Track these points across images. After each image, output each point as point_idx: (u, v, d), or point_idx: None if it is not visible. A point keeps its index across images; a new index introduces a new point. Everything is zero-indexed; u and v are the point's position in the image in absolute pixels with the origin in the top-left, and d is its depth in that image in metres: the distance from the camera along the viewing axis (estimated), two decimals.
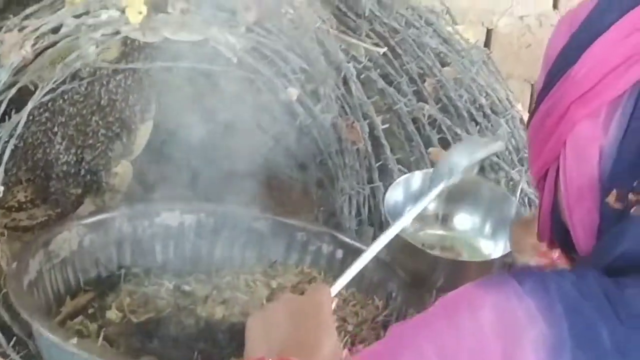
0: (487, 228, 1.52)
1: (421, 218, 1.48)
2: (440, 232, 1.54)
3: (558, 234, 0.90)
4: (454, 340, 0.73)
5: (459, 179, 1.33)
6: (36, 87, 1.55)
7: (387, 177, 1.70)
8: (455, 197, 1.50)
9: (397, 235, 1.34)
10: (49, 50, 1.54)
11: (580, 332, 0.71)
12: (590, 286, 0.74)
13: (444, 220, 1.54)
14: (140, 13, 1.54)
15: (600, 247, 0.81)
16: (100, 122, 1.68)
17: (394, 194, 1.48)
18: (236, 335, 1.43)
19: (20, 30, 1.49)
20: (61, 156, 1.68)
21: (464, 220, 1.54)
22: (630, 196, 0.79)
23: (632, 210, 0.78)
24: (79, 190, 1.73)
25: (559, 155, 0.84)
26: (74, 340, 1.17)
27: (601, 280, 0.75)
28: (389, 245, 1.34)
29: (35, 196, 1.70)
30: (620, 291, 0.73)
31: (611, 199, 0.80)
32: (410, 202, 1.47)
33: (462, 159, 1.32)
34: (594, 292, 0.73)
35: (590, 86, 0.80)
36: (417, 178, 1.50)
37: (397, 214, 1.43)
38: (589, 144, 0.81)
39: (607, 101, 0.80)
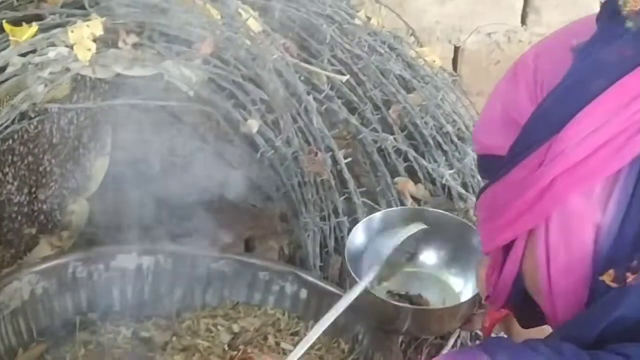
0: (456, 264, 1.47)
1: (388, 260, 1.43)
2: (409, 269, 1.49)
3: (516, 300, 0.85)
4: None
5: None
6: None
7: (352, 210, 1.65)
8: (422, 234, 1.45)
9: (370, 295, 1.34)
10: None
11: None
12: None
13: (412, 257, 1.48)
14: (89, 50, 1.48)
15: (588, 315, 0.77)
16: (53, 161, 1.62)
17: (355, 239, 1.42)
18: None
19: None
20: (13, 196, 1.62)
21: (432, 257, 1.48)
22: (628, 274, 0.74)
23: (629, 281, 0.73)
24: (34, 230, 1.66)
25: (533, 228, 0.79)
26: None
27: (578, 356, 0.72)
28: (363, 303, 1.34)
29: None
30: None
31: (607, 277, 0.75)
32: (372, 241, 1.43)
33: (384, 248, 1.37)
34: None
35: (580, 159, 0.75)
36: (376, 218, 1.45)
37: (358, 261, 1.39)
38: (582, 221, 0.76)
39: (602, 177, 0.75)
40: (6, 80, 1.48)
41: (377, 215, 1.45)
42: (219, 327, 1.48)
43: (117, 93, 1.60)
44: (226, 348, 1.43)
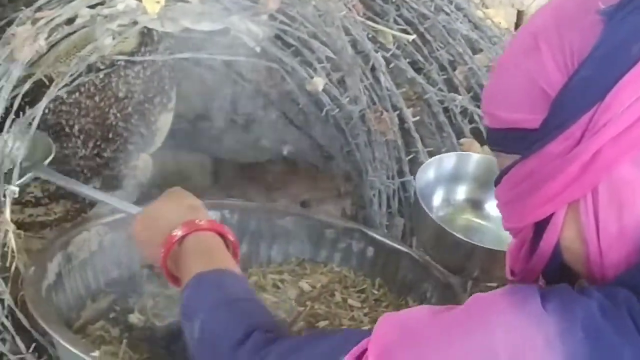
0: None
1: (453, 204, 1.43)
2: (473, 218, 1.48)
3: (552, 272, 0.82)
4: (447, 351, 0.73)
5: None
6: (51, 81, 1.48)
7: (417, 169, 1.63)
8: (488, 183, 1.43)
9: (434, 222, 1.34)
10: (64, 43, 1.47)
11: (600, 356, 0.69)
12: (617, 306, 0.70)
13: (476, 206, 1.47)
14: (158, 2, 1.47)
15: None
16: (118, 115, 1.62)
17: (425, 175, 1.42)
18: None
19: (34, 23, 1.42)
20: (79, 150, 1.62)
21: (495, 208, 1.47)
22: None
23: None
24: (98, 184, 1.67)
25: (578, 200, 0.76)
26: (95, 353, 1.11)
27: (630, 300, 0.71)
28: (426, 235, 1.36)
29: (52, 191, 1.64)
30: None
31: None
32: (442, 182, 1.42)
33: None
34: (619, 313, 0.70)
35: (626, 126, 0.72)
36: (450, 159, 1.44)
37: (427, 194, 1.39)
38: (633, 189, 0.74)
39: None
40: (75, 32, 1.47)
41: (450, 154, 1.45)
42: (285, 283, 1.47)
43: (184, 48, 1.59)
44: (293, 304, 1.42)
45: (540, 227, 0.80)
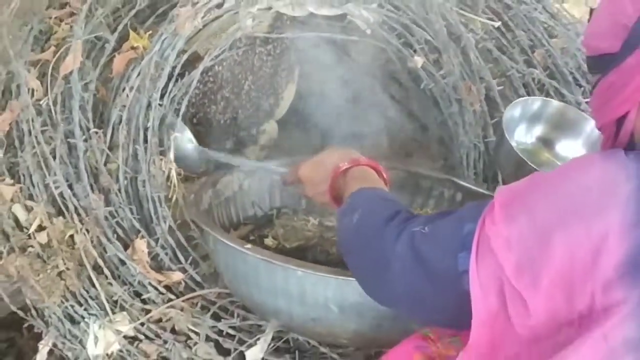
0: None
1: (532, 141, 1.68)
2: (546, 155, 1.73)
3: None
4: (555, 192, 0.97)
5: None
6: (199, 57, 1.79)
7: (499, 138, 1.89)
8: (561, 127, 1.69)
9: (515, 153, 1.58)
10: (215, 23, 1.78)
11: None
12: None
13: (549, 145, 1.73)
14: None
15: None
16: (252, 86, 1.92)
17: (512, 112, 1.68)
18: None
19: (193, 5, 1.73)
20: (220, 116, 1.92)
21: (566, 147, 1.72)
22: None
23: None
24: (231, 145, 1.96)
25: None
26: (248, 245, 1.41)
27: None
28: (508, 166, 1.63)
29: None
30: None
31: None
32: (524, 121, 1.70)
33: None
34: None
35: None
36: (535, 102, 1.71)
37: (511, 129, 1.66)
38: None
39: None
40: (223, 14, 1.79)
41: (536, 98, 1.72)
42: None
43: (308, 29, 1.88)
44: None
45: (620, 123, 1.05)
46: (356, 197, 1.28)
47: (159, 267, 1.61)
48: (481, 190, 1.75)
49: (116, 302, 1.56)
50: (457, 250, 1.02)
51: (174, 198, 1.66)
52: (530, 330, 0.95)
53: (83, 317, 1.56)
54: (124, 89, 1.67)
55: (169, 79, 1.69)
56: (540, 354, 0.95)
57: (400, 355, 1.23)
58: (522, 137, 1.70)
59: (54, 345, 1.59)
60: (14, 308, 1.62)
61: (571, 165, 1.02)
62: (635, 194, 0.92)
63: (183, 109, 1.70)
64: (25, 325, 1.68)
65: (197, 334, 1.56)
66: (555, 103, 1.74)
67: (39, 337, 1.65)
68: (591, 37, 1.10)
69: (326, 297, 1.39)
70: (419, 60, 1.91)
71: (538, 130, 1.72)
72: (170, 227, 1.62)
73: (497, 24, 1.94)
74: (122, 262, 1.58)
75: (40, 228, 1.58)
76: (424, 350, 1.20)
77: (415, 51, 1.92)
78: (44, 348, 1.60)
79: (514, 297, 0.96)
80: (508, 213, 0.98)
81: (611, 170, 0.95)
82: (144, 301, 1.57)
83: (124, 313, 1.56)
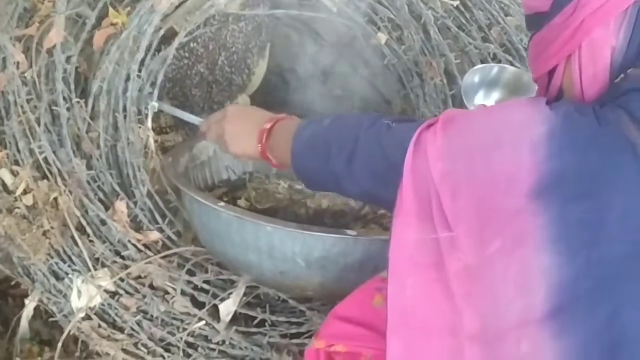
0: None
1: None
2: None
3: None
4: (485, 120, 1.11)
5: None
6: (175, 34, 1.89)
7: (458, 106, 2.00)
8: (517, 90, 1.82)
9: None
10: (189, 0, 1.88)
11: (569, 125, 1.06)
12: (585, 108, 1.08)
13: None
14: None
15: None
16: (225, 61, 2.02)
17: (472, 78, 1.80)
18: (339, 219, 1.76)
19: None
20: (194, 89, 2.01)
21: None
22: (630, 70, 1.10)
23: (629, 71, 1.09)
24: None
25: (570, 54, 1.14)
26: (221, 203, 1.51)
27: (594, 108, 1.08)
28: None
29: (173, 123, 2.04)
30: (602, 110, 1.07)
31: (620, 80, 1.11)
32: (482, 87, 1.82)
33: None
34: (586, 109, 1.08)
35: (601, 4, 1.10)
36: (493, 68, 1.84)
37: (471, 95, 1.78)
38: (602, 45, 1.11)
39: (615, 14, 1.10)
40: None
41: (495, 65, 1.85)
42: None
43: (277, 8, 1.98)
44: None
45: (551, 75, 1.18)
46: (312, 122, 1.33)
47: (137, 227, 1.71)
48: None
49: (98, 259, 1.66)
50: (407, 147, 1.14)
51: (151, 164, 1.75)
52: (451, 240, 1.07)
53: (67, 273, 1.66)
54: (104, 62, 1.76)
55: (146, 53, 1.78)
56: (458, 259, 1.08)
57: (362, 296, 1.35)
58: (481, 102, 1.81)
59: (40, 301, 1.69)
60: (1, 267, 1.72)
61: (503, 104, 1.21)
62: (546, 135, 1.05)
63: (159, 80, 1.79)
64: (10, 292, 1.79)
65: (173, 289, 1.66)
66: (511, 69, 1.86)
67: (22, 304, 1.76)
68: None
69: (293, 252, 1.50)
70: (382, 37, 2.02)
71: (496, 95, 1.84)
72: (148, 190, 1.72)
73: (456, 2, 2.05)
74: (103, 222, 1.68)
75: (26, 191, 1.67)
76: (384, 292, 1.31)
77: (379, 29, 2.03)
78: (30, 303, 1.70)
79: (437, 205, 1.09)
80: (446, 128, 1.12)
81: (529, 113, 1.08)
82: (123, 258, 1.67)
83: (105, 269, 1.66)
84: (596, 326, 1.02)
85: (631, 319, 1.02)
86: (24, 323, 1.73)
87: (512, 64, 1.99)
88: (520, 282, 1.06)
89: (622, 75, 1.11)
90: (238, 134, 1.43)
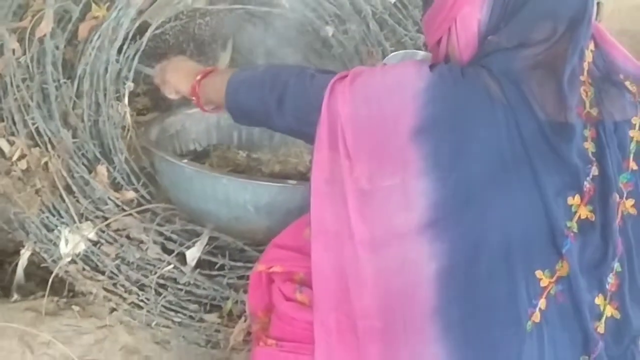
0: None
1: None
2: None
3: None
4: (382, 76, 1.38)
5: None
6: (148, 26, 2.17)
7: None
8: None
9: None
10: None
11: (440, 80, 1.34)
12: (455, 67, 1.36)
13: None
14: None
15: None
16: (194, 51, 2.31)
17: (390, 60, 2.04)
18: (288, 177, 2.03)
19: None
20: None
21: None
22: (490, 37, 1.37)
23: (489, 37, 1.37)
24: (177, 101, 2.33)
25: (449, 28, 1.40)
26: (185, 160, 1.80)
27: (462, 67, 1.36)
28: None
29: (149, 105, 2.32)
30: (467, 68, 1.35)
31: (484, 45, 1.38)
32: None
33: None
34: (455, 69, 1.35)
35: None
36: (408, 53, 2.08)
37: None
38: (471, 18, 1.38)
39: None
40: None
41: (416, 51, 2.10)
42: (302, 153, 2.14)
43: (238, 4, 2.27)
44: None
45: (439, 45, 1.43)
46: (248, 68, 1.63)
47: (116, 188, 1.98)
48: None
49: (82, 214, 1.94)
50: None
51: (128, 135, 2.03)
52: (350, 166, 1.36)
53: (56, 226, 1.93)
54: (87, 49, 2.04)
55: (124, 41, 2.06)
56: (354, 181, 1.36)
57: (295, 229, 1.62)
58: None
59: (33, 250, 1.96)
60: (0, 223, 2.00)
61: (396, 65, 1.51)
62: (424, 88, 1.34)
63: (134, 65, 2.07)
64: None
65: (147, 238, 1.94)
66: (422, 53, 2.10)
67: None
68: None
69: (245, 200, 1.78)
70: (329, 30, 2.31)
71: None
72: (125, 157, 2.00)
73: (393, 0, 2.35)
74: (87, 183, 1.95)
75: (21, 157, 1.95)
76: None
77: (327, 23, 2.32)
78: (24, 253, 1.98)
79: (342, 139, 1.36)
80: (353, 81, 1.39)
81: (414, 72, 1.37)
82: (104, 213, 1.95)
83: (89, 222, 1.93)
84: (463, 229, 1.31)
85: (493, 218, 1.31)
86: (19, 271, 2.00)
87: None
88: (403, 202, 1.34)
89: (485, 42, 1.39)
90: (175, 75, 1.71)
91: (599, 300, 1.37)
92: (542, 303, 1.34)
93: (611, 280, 1.39)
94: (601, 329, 1.38)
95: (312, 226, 1.42)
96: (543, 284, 1.34)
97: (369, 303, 1.38)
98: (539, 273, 1.33)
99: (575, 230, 1.35)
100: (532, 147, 1.33)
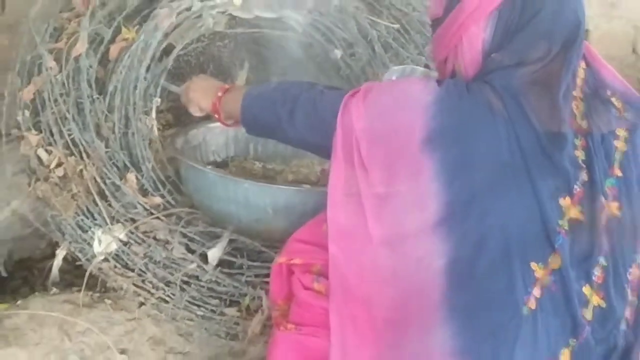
0: None
1: None
2: None
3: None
4: (393, 91, 1.55)
5: None
6: (173, 47, 2.35)
7: None
8: None
9: None
10: (185, 21, 2.34)
11: (447, 97, 1.50)
12: (460, 83, 1.52)
13: None
14: None
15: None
16: (214, 71, 2.49)
17: (389, 75, 2.17)
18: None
19: (169, 8, 2.29)
20: None
21: None
22: (494, 55, 1.54)
23: (492, 55, 1.54)
24: (198, 119, 2.51)
25: (456, 46, 1.56)
26: (209, 167, 1.97)
27: (467, 83, 1.53)
28: None
29: (172, 121, 2.49)
30: (471, 84, 1.52)
31: (488, 63, 1.55)
32: None
33: None
34: (461, 84, 1.52)
35: (474, 8, 1.53)
36: (407, 69, 2.23)
37: None
38: (476, 37, 1.55)
39: (484, 16, 1.53)
40: (191, 15, 2.35)
41: (414, 67, 2.24)
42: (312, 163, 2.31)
43: (253, 28, 2.45)
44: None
45: (446, 62, 1.60)
46: (261, 85, 1.79)
47: (144, 193, 2.15)
48: None
49: (114, 217, 2.10)
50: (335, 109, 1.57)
51: (155, 146, 2.21)
52: (366, 176, 1.53)
53: (90, 227, 2.10)
54: (118, 68, 2.21)
55: (151, 61, 2.24)
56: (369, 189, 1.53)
57: (314, 225, 1.77)
58: None
59: (68, 249, 2.13)
60: (38, 225, 2.16)
61: (405, 80, 1.70)
62: (432, 101, 1.50)
63: (161, 82, 2.25)
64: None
65: (172, 239, 2.10)
66: (420, 69, 2.22)
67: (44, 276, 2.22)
68: (429, 7, 1.68)
69: (265, 202, 1.95)
70: (338, 53, 2.49)
71: None
72: (152, 166, 2.17)
73: (396, 26, 2.53)
74: (118, 188, 2.12)
75: (58, 165, 2.12)
76: None
77: (336, 46, 2.50)
78: (60, 253, 2.14)
79: (357, 152, 1.53)
80: (366, 96, 1.55)
81: (422, 87, 1.54)
82: (133, 216, 2.11)
83: (120, 224, 2.10)
84: (468, 228, 1.48)
85: (494, 218, 1.48)
86: (54, 270, 2.16)
87: None
88: (418, 203, 1.50)
89: (488, 59, 1.56)
90: (198, 94, 1.89)
91: (586, 289, 1.52)
92: (536, 292, 1.49)
93: (597, 273, 1.54)
94: (589, 315, 1.52)
95: (330, 231, 1.58)
96: (538, 275, 1.49)
97: (388, 297, 1.53)
98: (534, 265, 1.49)
99: (566, 227, 1.50)
100: (530, 156, 1.49)
